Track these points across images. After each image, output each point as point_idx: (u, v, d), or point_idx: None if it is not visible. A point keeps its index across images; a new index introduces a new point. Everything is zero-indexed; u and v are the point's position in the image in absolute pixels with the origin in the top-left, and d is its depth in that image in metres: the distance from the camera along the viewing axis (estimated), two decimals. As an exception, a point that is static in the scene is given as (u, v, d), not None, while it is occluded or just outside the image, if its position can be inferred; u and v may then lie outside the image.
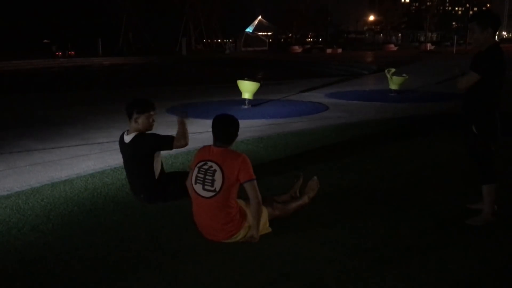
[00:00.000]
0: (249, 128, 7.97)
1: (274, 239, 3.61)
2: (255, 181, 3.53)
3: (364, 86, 15.96)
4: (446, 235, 3.69)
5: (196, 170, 3.63)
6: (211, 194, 3.50)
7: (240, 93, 10.81)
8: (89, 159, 6.13)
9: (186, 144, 4.39)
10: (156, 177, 4.40)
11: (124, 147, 4.45)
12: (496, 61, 3.65)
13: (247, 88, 10.67)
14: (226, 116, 3.73)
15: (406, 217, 4.04)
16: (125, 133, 4.47)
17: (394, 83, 12.85)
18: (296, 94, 13.19)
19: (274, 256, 3.35)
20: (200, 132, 7.57)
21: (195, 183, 3.60)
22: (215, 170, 3.51)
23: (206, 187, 3.52)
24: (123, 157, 4.52)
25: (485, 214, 3.85)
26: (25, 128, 8.41)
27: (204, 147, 3.74)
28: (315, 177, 4.27)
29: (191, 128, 7.76)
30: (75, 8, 60.26)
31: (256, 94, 10.86)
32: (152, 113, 4.40)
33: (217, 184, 3.48)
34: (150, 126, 4.40)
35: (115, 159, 6.00)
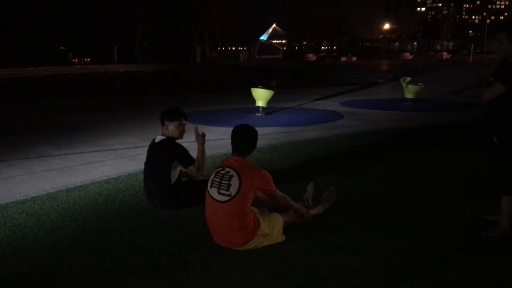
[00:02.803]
0: (262, 136, 7.95)
1: (286, 247, 3.59)
2: (277, 191, 3.70)
3: (379, 94, 15.88)
4: (462, 246, 3.63)
5: (213, 175, 3.67)
6: (226, 198, 3.50)
7: (254, 101, 10.82)
8: (104, 165, 6.17)
9: (198, 176, 4.58)
10: (172, 183, 4.46)
11: (151, 147, 4.62)
12: None
13: (261, 96, 10.68)
14: (244, 126, 3.80)
15: (422, 228, 3.99)
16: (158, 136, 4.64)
17: (410, 92, 12.77)
18: (310, 102, 13.18)
19: (286, 264, 3.32)
20: (214, 139, 7.57)
21: (211, 187, 3.62)
22: (232, 176, 3.53)
23: (221, 191, 3.53)
24: (147, 158, 4.64)
25: (503, 226, 3.78)
26: (41, 134, 8.50)
27: (226, 158, 3.81)
28: (333, 188, 4.25)
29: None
30: (91, 16, 61.04)
31: (270, 102, 10.86)
32: (183, 122, 4.57)
33: (233, 189, 3.49)
34: (179, 134, 4.57)
35: (130, 166, 6.03)
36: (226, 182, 3.53)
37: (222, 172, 3.60)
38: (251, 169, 3.61)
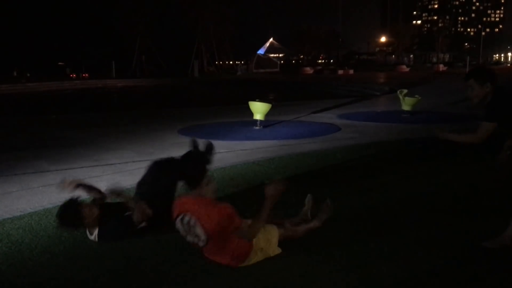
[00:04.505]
0: (260, 149, 7.95)
1: (288, 261, 3.56)
2: (244, 224, 3.40)
3: (377, 107, 15.93)
4: (463, 258, 3.61)
5: (179, 224, 3.51)
6: (202, 243, 3.43)
7: (251, 114, 10.84)
8: (102, 180, 6.15)
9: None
10: None
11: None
12: (506, 102, 3.70)
13: (259, 109, 10.71)
14: (189, 154, 3.57)
15: (420, 242, 3.96)
16: None
17: (407, 104, 12.82)
18: (307, 115, 13.20)
19: (287, 279, 3.30)
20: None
21: (186, 235, 3.51)
22: (192, 225, 3.38)
23: (195, 239, 3.44)
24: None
25: (504, 237, 3.76)
26: (39, 149, 8.49)
27: (180, 197, 3.63)
28: (328, 200, 4.22)
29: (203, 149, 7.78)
30: (89, 31, 61.39)
31: (267, 115, 10.88)
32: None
33: (203, 236, 3.37)
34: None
35: (127, 180, 6.01)
36: (193, 231, 3.39)
37: (184, 221, 3.43)
38: (205, 208, 3.35)
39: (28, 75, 45.95)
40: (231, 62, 73.08)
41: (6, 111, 20.10)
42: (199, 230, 3.34)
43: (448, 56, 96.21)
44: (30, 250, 3.88)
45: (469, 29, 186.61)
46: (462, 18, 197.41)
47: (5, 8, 56.24)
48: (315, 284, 3.22)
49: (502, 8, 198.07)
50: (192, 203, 3.42)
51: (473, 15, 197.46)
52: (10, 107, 23.15)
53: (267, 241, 3.57)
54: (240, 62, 73.42)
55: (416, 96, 13.11)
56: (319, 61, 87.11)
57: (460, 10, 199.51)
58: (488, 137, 3.75)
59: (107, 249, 3.88)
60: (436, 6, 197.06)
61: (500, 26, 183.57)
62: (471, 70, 3.92)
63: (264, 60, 71.32)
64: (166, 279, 3.33)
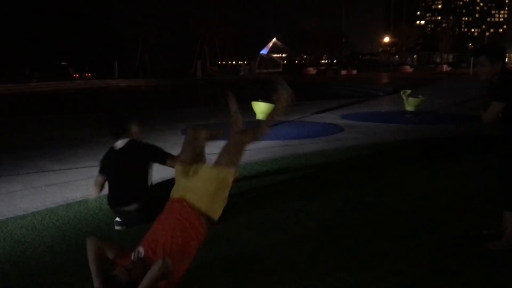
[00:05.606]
0: (263, 149, 7.95)
1: (290, 259, 3.55)
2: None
3: (380, 107, 15.90)
4: (466, 259, 3.59)
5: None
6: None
7: (254, 114, 10.83)
8: (104, 180, 6.15)
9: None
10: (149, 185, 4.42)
11: (112, 155, 4.48)
12: None
13: (262, 110, 10.72)
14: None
15: (423, 242, 3.96)
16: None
17: (410, 104, 12.80)
18: (310, 116, 13.19)
19: (291, 279, 3.29)
20: (215, 153, 7.55)
21: None
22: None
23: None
24: (109, 168, 4.44)
25: (507, 239, 3.75)
26: (42, 148, 8.49)
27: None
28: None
29: (206, 149, 7.79)
30: (92, 31, 61.50)
31: (270, 115, 10.86)
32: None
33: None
34: (140, 134, 4.60)
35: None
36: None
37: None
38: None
39: (28, 74, 45.94)
40: (234, 62, 73.05)
41: (8, 111, 20.13)
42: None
43: (451, 56, 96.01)
44: (33, 249, 3.88)
45: (473, 30, 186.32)
46: (466, 19, 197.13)
47: (5, 9, 56.42)
48: (315, 280, 3.21)
49: (506, 8, 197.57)
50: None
51: (477, 15, 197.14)
52: (12, 107, 23.18)
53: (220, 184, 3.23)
54: (243, 62, 73.38)
55: (420, 96, 13.09)
56: (322, 61, 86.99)
57: (464, 11, 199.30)
58: (496, 117, 3.66)
59: (109, 248, 3.88)
60: (440, 6, 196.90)
61: (504, 27, 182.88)
62: (483, 46, 3.84)
63: (267, 60, 71.24)
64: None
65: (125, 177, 4.37)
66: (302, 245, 3.84)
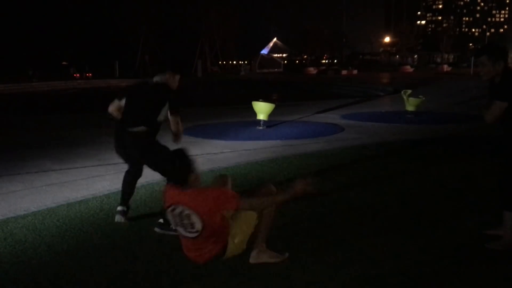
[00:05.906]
0: (263, 149, 7.95)
1: (289, 258, 3.55)
2: (243, 203, 3.23)
3: (380, 107, 15.90)
4: (466, 259, 3.60)
5: (170, 215, 3.32)
6: (195, 234, 3.23)
7: (255, 114, 10.84)
8: (105, 180, 6.17)
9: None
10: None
11: (142, 88, 4.71)
12: None
13: (262, 109, 10.71)
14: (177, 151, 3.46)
15: (423, 241, 3.96)
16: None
17: (411, 104, 12.80)
18: (311, 115, 13.19)
19: (288, 276, 3.29)
20: (215, 153, 7.57)
21: (176, 226, 3.33)
22: (188, 214, 3.19)
23: (188, 229, 3.24)
24: (133, 99, 4.62)
25: (506, 239, 3.75)
26: (43, 148, 8.50)
27: (167, 186, 3.49)
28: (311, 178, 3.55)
29: (206, 149, 7.80)
30: (93, 31, 61.51)
31: (271, 115, 10.88)
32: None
33: (198, 226, 3.18)
34: (176, 87, 4.72)
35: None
36: (187, 221, 3.21)
37: (177, 211, 3.24)
38: (199, 196, 3.20)
39: (32, 74, 45.99)
40: (234, 62, 73.11)
41: (9, 111, 20.13)
42: (195, 218, 3.16)
43: (452, 56, 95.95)
44: (34, 249, 3.89)
45: (473, 30, 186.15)
46: (467, 18, 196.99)
47: (6, 9, 56.47)
48: (317, 280, 3.22)
49: (507, 8, 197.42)
50: (183, 195, 3.24)
51: (477, 15, 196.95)
52: (13, 107, 23.19)
53: (243, 227, 3.35)
54: (244, 62, 73.40)
55: (420, 96, 13.09)
56: (323, 61, 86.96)
57: (464, 10, 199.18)
58: (499, 117, 3.64)
59: (109, 248, 3.89)
60: (440, 6, 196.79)
61: (505, 27, 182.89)
62: (484, 46, 3.79)
63: (268, 60, 71.30)
64: (167, 278, 3.34)
65: (144, 105, 4.51)
66: (302, 245, 3.84)
